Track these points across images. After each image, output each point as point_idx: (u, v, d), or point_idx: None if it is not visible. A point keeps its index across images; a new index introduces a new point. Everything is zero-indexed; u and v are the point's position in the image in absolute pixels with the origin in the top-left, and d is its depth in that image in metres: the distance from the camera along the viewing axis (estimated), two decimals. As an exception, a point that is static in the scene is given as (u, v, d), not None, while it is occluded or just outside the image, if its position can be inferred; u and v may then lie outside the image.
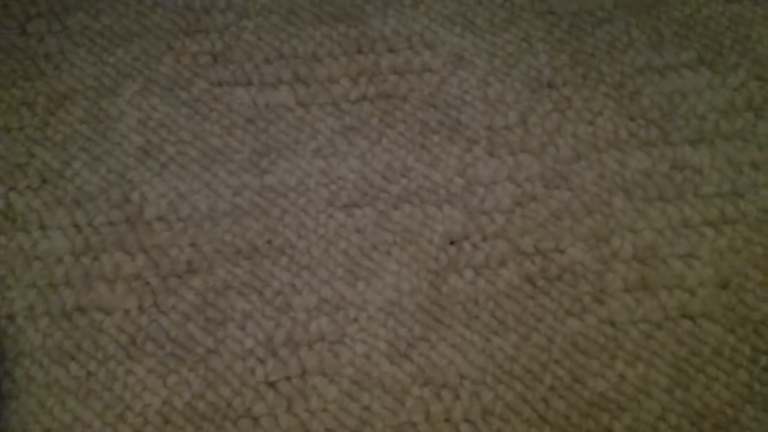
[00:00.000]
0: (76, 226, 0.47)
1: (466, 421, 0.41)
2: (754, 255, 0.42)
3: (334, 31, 0.51)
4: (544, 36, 0.49)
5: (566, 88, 0.47)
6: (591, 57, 0.48)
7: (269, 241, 0.46)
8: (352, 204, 0.46)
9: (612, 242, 0.43)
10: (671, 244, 0.43)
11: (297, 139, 0.48)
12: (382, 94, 0.49)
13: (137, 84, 0.51)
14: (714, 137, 0.45)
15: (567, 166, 0.46)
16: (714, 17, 0.48)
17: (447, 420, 0.41)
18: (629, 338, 0.41)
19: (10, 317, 0.44)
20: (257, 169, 0.48)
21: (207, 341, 0.43)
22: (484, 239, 0.45)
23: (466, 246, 0.45)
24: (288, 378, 0.42)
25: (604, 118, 0.46)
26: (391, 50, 0.50)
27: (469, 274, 0.44)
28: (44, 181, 0.48)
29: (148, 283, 0.45)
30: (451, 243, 0.45)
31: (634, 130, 0.46)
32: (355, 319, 0.43)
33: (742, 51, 0.47)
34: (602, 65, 0.48)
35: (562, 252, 0.44)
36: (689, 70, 0.47)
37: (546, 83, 0.48)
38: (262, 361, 0.43)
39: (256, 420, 0.41)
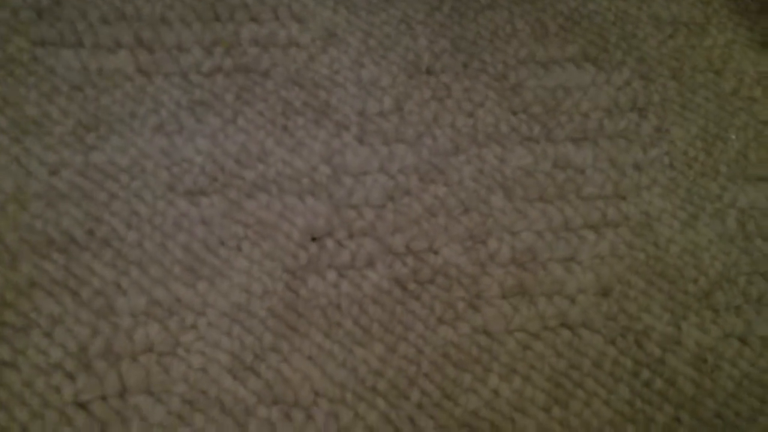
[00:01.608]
0: None
1: (320, 446, 0.35)
2: (636, 261, 0.40)
3: (187, -7, 0.44)
4: (425, 18, 0.45)
5: (446, 75, 0.43)
6: (473, 45, 0.44)
7: (91, 231, 0.38)
8: (197, 191, 0.39)
9: (489, 244, 0.39)
10: (551, 248, 0.40)
11: (134, 112, 0.41)
12: (241, 67, 0.43)
13: (-63, 36, 0.41)
14: (597, 136, 0.42)
15: (444, 159, 0.41)
16: (600, 12, 0.46)
17: (297, 445, 0.34)
18: (505, 349, 0.37)
19: None
20: (82, 144, 0.40)
21: (1, 351, 0.35)
22: (351, 236, 0.39)
23: (330, 243, 0.39)
24: (103, 397, 0.34)
25: (485, 110, 0.43)
26: (253, 19, 0.44)
27: (331, 275, 0.38)
28: None
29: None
30: (313, 239, 0.39)
31: (515, 124, 0.42)
32: (193, 326, 0.36)
33: (627, 49, 0.45)
34: (484, 54, 0.44)
35: (435, 252, 0.39)
36: (573, 65, 0.44)
37: (425, 69, 0.43)
38: (71, 377, 0.35)
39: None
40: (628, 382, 0.37)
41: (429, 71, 0.44)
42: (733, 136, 0.43)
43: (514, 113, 0.43)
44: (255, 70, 0.43)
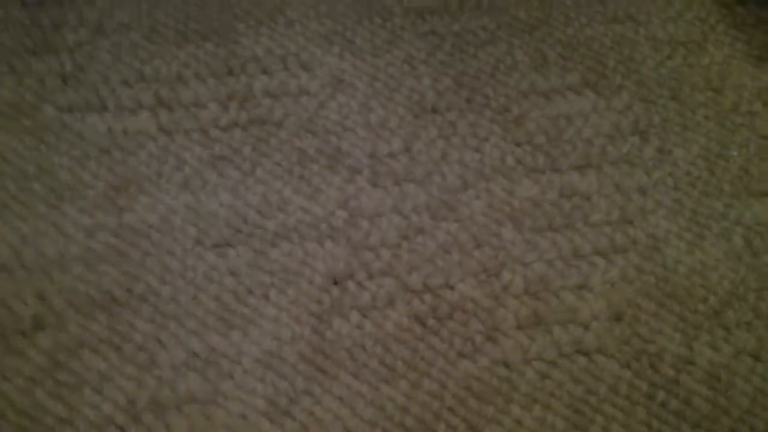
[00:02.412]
0: None
1: (355, 481, 0.37)
2: (646, 284, 0.41)
3: (200, 51, 0.46)
4: (426, 58, 0.47)
5: (451, 113, 0.45)
6: (475, 80, 0.46)
7: (129, 289, 0.40)
8: (224, 243, 0.42)
9: (503, 276, 0.41)
10: (562, 276, 0.41)
11: (160, 171, 0.43)
12: (256, 119, 0.45)
13: (-29, 110, 0.44)
14: (601, 162, 0.44)
15: (454, 195, 0.43)
16: (597, 38, 0.47)
17: (334, 482, 0.37)
18: (524, 379, 0.39)
19: None
20: (114, 206, 0.42)
21: (57, 409, 0.38)
22: (370, 277, 0.41)
23: (351, 285, 0.41)
24: (153, 447, 0.37)
25: (491, 144, 0.44)
26: (264, 71, 0.46)
27: (354, 316, 0.40)
28: None
29: (-15, 344, 0.39)
30: (335, 283, 0.41)
31: (520, 156, 0.44)
32: (230, 375, 0.39)
33: (626, 72, 0.47)
34: (487, 88, 0.46)
35: (451, 288, 0.41)
36: (574, 93, 0.46)
37: (430, 108, 0.45)
38: (122, 429, 0.37)
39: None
40: (644, 404, 0.39)
41: (434, 110, 0.45)
42: (735, 153, 0.44)
43: (519, 145, 0.44)
44: (269, 121, 0.45)
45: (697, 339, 0.40)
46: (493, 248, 0.42)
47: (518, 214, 0.43)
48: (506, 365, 0.39)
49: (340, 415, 0.38)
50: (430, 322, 0.40)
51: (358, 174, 0.44)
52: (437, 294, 0.41)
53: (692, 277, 0.41)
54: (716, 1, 0.48)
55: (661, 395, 0.39)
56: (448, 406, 0.38)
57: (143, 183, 0.43)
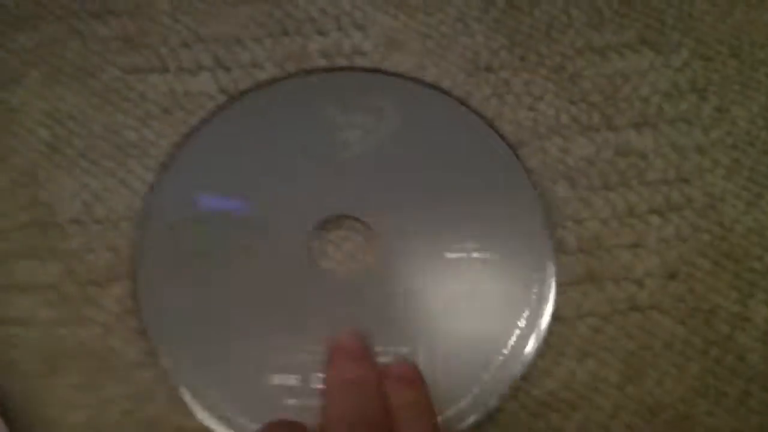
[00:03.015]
0: (-22, 231, 0.42)
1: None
2: (701, 242, 0.42)
3: (257, 11, 0.47)
4: (480, 15, 0.47)
5: (504, 71, 0.45)
6: (529, 38, 0.46)
7: (194, 244, 0.42)
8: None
9: (556, 233, 0.42)
10: (617, 234, 0.42)
11: (221, 130, 0.45)
12: (312, 79, 0.46)
13: (41, 72, 0.46)
14: (657, 121, 0.44)
15: (509, 153, 0.44)
16: (655, -6, 0.47)
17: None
18: (577, 333, 0.40)
19: None
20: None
21: (131, 354, 0.40)
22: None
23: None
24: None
25: (545, 103, 0.45)
26: (319, 32, 0.47)
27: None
28: (-62, 184, 0.43)
29: (64, 293, 0.41)
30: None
31: (575, 114, 0.44)
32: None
33: (684, 29, 0.46)
34: (541, 46, 0.46)
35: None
36: (630, 50, 0.45)
37: (483, 66, 0.45)
38: (190, 375, 0.39)
39: None
40: (698, 360, 0.39)
41: (488, 68, 0.46)
42: (796, 111, 0.43)
43: (574, 103, 0.45)
44: (325, 81, 0.46)
45: (752, 297, 0.40)
46: (547, 207, 0.42)
47: (572, 173, 0.43)
48: (559, 320, 0.40)
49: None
50: (485, 277, 0.41)
51: (412, 133, 0.44)
52: (491, 250, 0.42)
53: (749, 236, 0.42)
54: (779, -46, 0.47)
55: (714, 351, 0.39)
56: (503, 359, 0.39)
57: (205, 142, 0.45)
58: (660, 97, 0.44)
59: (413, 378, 0.37)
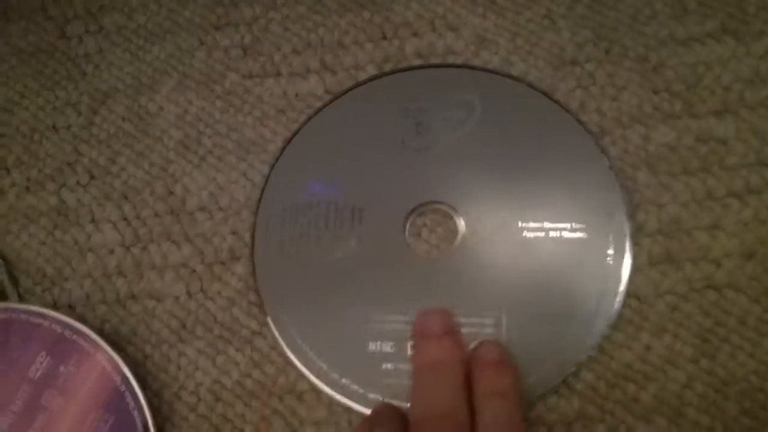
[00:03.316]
0: (125, 219, 0.49)
1: (498, 393, 0.42)
2: (779, 225, 0.43)
3: (358, 18, 0.52)
4: (566, 12, 0.49)
5: (589, 64, 0.48)
6: (613, 31, 0.48)
7: (305, 228, 0.48)
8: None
9: (637, 216, 0.44)
10: (696, 217, 0.44)
11: (327, 127, 0.50)
12: (408, 78, 0.50)
13: (173, 80, 0.53)
14: (739, 108, 0.45)
15: (591, 142, 0.46)
16: (738, -16, 0.48)
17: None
18: (654, 310, 0.42)
19: (71, 306, 0.48)
20: (290, 158, 0.49)
21: (251, 324, 0.46)
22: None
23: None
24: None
25: (628, 93, 0.47)
26: (414, 34, 0.51)
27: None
28: (92, 177, 0.51)
29: (194, 271, 0.48)
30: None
31: (657, 103, 0.46)
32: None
33: (766, 18, 0.47)
34: (625, 39, 0.48)
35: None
36: (713, 39, 0.47)
37: (569, 60, 0.48)
38: (303, 342, 0.45)
39: (300, 395, 0.44)
40: (771, 337, 0.41)
41: (573, 62, 0.48)
42: None
43: (656, 93, 0.46)
44: (420, 80, 0.50)
45: (829, 277, 0.41)
46: (627, 191, 0.45)
47: (653, 159, 0.45)
48: (637, 298, 0.43)
49: (484, 337, 0.43)
50: (566, 258, 0.44)
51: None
52: (573, 233, 0.45)
53: (828, 218, 0.42)
54: None
55: (789, 328, 0.41)
56: (582, 332, 0.42)
57: (313, 137, 0.50)
58: (741, 84, 0.45)
59: (500, 362, 0.39)
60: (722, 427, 0.40)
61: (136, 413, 0.43)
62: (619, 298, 0.42)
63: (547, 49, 0.49)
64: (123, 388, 0.44)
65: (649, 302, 0.43)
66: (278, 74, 0.52)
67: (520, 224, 0.44)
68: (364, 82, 0.50)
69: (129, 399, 0.44)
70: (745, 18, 0.47)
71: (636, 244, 0.43)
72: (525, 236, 0.43)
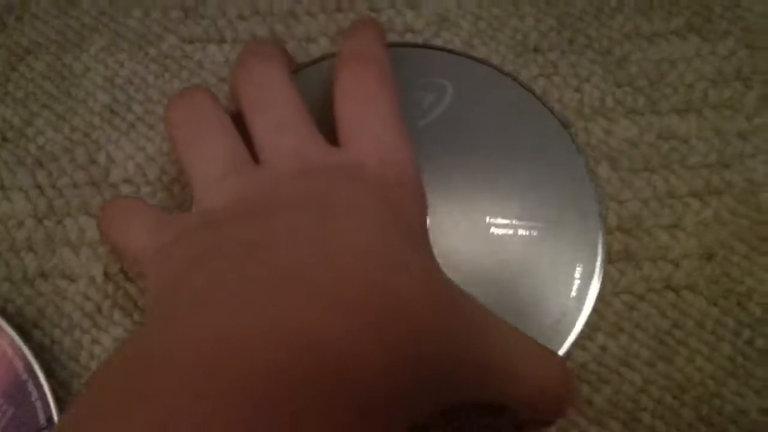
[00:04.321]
0: (39, 187, 0.44)
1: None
2: (739, 227, 0.42)
3: (312, -13, 0.49)
4: (531, -2, 0.47)
5: (552, 53, 0.46)
6: (578, 21, 0.47)
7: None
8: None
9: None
10: (656, 215, 0.43)
11: (273, 100, 0.46)
12: (363, 54, 0.47)
13: (103, 39, 0.48)
14: (702, 106, 0.44)
15: (552, 133, 0.44)
16: (705, -18, 0.47)
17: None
18: (611, 310, 0.41)
19: (-31, 282, 0.42)
20: (231, 130, 0.46)
21: (177, 309, 0.42)
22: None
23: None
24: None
25: (591, 85, 0.45)
26: (372, 9, 0.48)
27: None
28: (5, 140, 0.46)
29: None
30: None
31: (620, 97, 0.45)
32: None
33: (732, 18, 0.46)
34: (590, 30, 0.46)
35: (545, 222, 0.43)
36: (678, 37, 0.46)
37: (532, 47, 0.46)
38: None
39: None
40: (729, 341, 0.40)
41: (536, 49, 0.46)
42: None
43: (620, 86, 0.45)
44: (375, 57, 0.47)
45: (788, 282, 0.41)
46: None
47: (615, 154, 0.44)
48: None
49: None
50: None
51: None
52: (531, 226, 0.43)
53: (787, 222, 0.42)
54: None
55: (746, 333, 0.40)
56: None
57: (256, 111, 0.46)
58: (705, 83, 0.45)
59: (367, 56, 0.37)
60: (677, 434, 0.38)
61: (39, 404, 0.38)
62: (589, 299, 0.40)
63: (510, 35, 0.47)
64: (25, 376, 0.39)
65: (606, 300, 0.41)
66: (222, 40, 0.48)
67: (483, 216, 0.41)
68: (319, 59, 0.46)
69: (31, 388, 0.39)
70: (711, 17, 0.46)
71: (605, 242, 0.41)
72: (492, 231, 0.41)
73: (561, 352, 0.39)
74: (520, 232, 0.41)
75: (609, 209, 0.43)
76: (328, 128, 0.38)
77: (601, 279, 0.40)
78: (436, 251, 0.36)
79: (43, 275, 0.43)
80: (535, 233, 0.40)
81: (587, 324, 0.39)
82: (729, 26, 0.46)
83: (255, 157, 0.37)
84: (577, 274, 0.40)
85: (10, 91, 0.47)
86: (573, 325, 0.39)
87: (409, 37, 0.47)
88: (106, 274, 0.43)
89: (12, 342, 0.39)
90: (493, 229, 0.41)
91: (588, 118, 0.45)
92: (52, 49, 0.48)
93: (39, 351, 0.40)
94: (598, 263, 0.40)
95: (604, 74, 0.46)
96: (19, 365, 0.39)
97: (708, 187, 0.43)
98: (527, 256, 0.40)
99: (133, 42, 0.48)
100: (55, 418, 0.38)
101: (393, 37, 0.47)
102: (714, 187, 0.43)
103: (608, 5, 0.47)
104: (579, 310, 0.39)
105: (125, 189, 0.44)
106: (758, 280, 0.41)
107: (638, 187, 0.43)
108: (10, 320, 0.40)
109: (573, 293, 0.39)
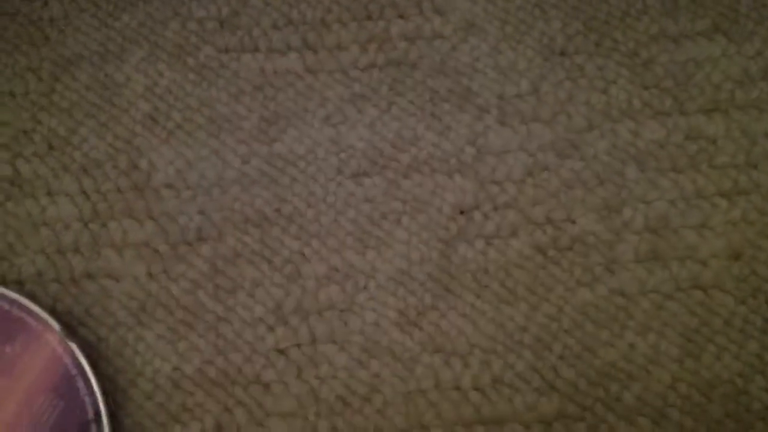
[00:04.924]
0: (84, 192, 0.46)
1: (476, 389, 0.41)
2: (767, 226, 0.42)
3: (343, -3, 0.50)
4: (557, 2, 0.48)
5: (579, 56, 0.47)
6: (605, 24, 0.47)
7: (278, 210, 0.45)
8: (361, 173, 0.46)
9: (624, 213, 0.43)
10: (683, 215, 0.43)
11: (305, 107, 0.48)
12: (392, 61, 0.48)
13: (143, 50, 0.50)
14: (728, 107, 0.45)
15: (579, 135, 0.45)
16: (731, -16, 0.47)
17: (457, 388, 0.41)
18: (640, 309, 0.41)
19: (19, 283, 0.44)
20: (266, 136, 0.47)
21: (217, 308, 0.43)
22: (495, 209, 0.44)
23: (477, 215, 0.44)
24: (298, 345, 0.42)
25: (618, 87, 0.46)
26: (400, 16, 0.49)
27: (479, 243, 0.44)
28: (51, 148, 0.48)
29: (157, 251, 0.45)
30: (461, 212, 0.45)
31: (647, 99, 0.45)
32: (365, 288, 0.43)
33: (758, 18, 0.46)
34: (616, 32, 0.47)
35: (573, 222, 0.43)
36: (704, 38, 0.46)
37: (559, 51, 0.47)
38: (271, 329, 0.43)
39: (266, 386, 0.42)
40: (757, 338, 0.40)
41: (563, 53, 0.47)
42: None
43: (646, 88, 0.46)
44: (404, 63, 0.48)
45: (817, 280, 0.41)
46: (615, 186, 0.44)
47: (642, 155, 0.44)
48: (623, 295, 0.42)
49: (463, 329, 0.42)
50: (551, 252, 0.43)
51: (486, 113, 0.47)
52: (559, 227, 0.43)
53: (817, 221, 0.42)
54: None
55: (776, 331, 0.40)
56: (565, 329, 0.41)
57: (291, 117, 0.48)
58: (732, 84, 0.45)
59: None
60: (706, 430, 0.39)
61: (87, 399, 0.40)
62: None
63: (537, 39, 0.48)
64: (74, 371, 0.41)
65: (634, 300, 0.41)
66: (256, 50, 0.50)
67: None
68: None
69: (80, 384, 0.40)
70: (737, 17, 0.47)
71: (622, 240, 0.42)
72: None
73: None
74: None
75: (636, 210, 0.43)
76: None
77: None
78: None
79: (89, 276, 0.44)
80: None
81: (610, 318, 0.40)
82: (755, 26, 0.46)
83: None
84: None
85: (55, 101, 0.49)
86: None
87: (437, 43, 0.48)
88: (149, 274, 0.44)
89: (61, 340, 0.41)
90: None
91: (615, 119, 0.45)
92: (94, 60, 0.50)
93: (86, 348, 0.42)
94: None
95: (630, 76, 0.46)
96: (68, 361, 0.41)
97: (736, 186, 0.43)
98: None
99: (171, 52, 0.50)
100: (103, 412, 0.40)
101: (422, 45, 0.48)
102: (741, 187, 0.43)
103: (634, 8, 0.48)
104: None
105: (166, 194, 0.46)
106: (787, 279, 0.41)
107: (666, 188, 0.43)
108: (59, 319, 0.42)
109: None
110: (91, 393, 0.40)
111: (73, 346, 0.41)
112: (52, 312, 0.42)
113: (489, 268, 0.43)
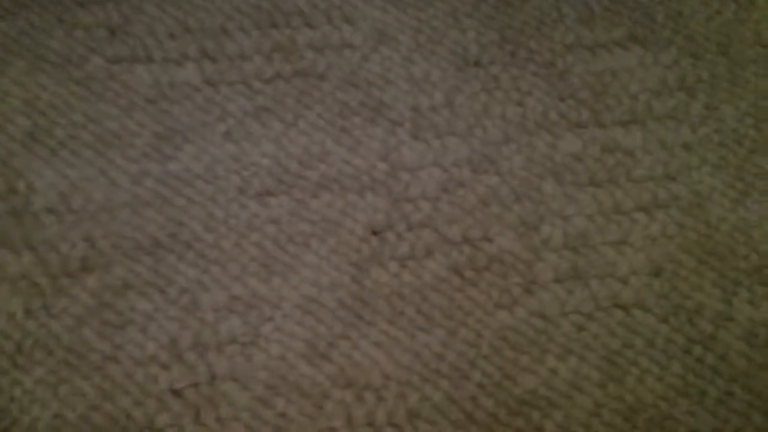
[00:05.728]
0: (-48, 220, 0.42)
1: (391, 424, 0.38)
2: (687, 240, 0.41)
3: (244, 3, 0.47)
4: (471, 11, 0.46)
5: (494, 66, 0.45)
6: (520, 34, 0.46)
7: (173, 235, 0.42)
8: (266, 192, 0.43)
9: (542, 230, 0.42)
10: (602, 231, 0.42)
11: (204, 121, 0.44)
12: (299, 72, 0.46)
13: (24, 61, 0.46)
14: (646, 118, 0.44)
15: (495, 149, 0.43)
16: (645, -8, 0.47)
17: (370, 424, 0.38)
18: (560, 331, 0.40)
19: None
20: (159, 154, 0.43)
21: (103, 347, 0.39)
22: (410, 229, 0.42)
23: (390, 236, 0.42)
24: (195, 384, 0.39)
25: (534, 99, 0.44)
26: (307, 24, 0.47)
27: (393, 266, 0.41)
28: None
29: (36, 284, 0.40)
30: (374, 233, 0.42)
31: (564, 111, 0.44)
32: (270, 318, 0.40)
33: (674, 27, 0.46)
34: (531, 42, 0.46)
35: (490, 241, 0.41)
36: (620, 47, 0.45)
37: (473, 61, 0.45)
38: (166, 367, 0.39)
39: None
40: (680, 359, 0.39)
41: (477, 63, 0.45)
42: (784, 111, 0.43)
43: (563, 100, 0.44)
44: (312, 74, 0.46)
45: (736, 295, 0.40)
46: (533, 202, 0.42)
47: (559, 169, 0.43)
48: (543, 317, 0.40)
49: (377, 360, 0.39)
50: (468, 273, 0.41)
51: (399, 127, 0.44)
52: (476, 246, 0.41)
53: (734, 234, 0.41)
54: (770, -44, 0.47)
55: (697, 350, 0.39)
56: (484, 355, 0.39)
57: (188, 133, 0.44)
58: (648, 95, 0.44)
59: None
60: (631, 459, 0.37)
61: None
62: None
63: (451, 49, 0.46)
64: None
65: (554, 321, 0.40)
66: (150, 60, 0.46)
67: None
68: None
69: (-57, 439, 0.36)
70: (653, 26, 0.46)
71: (540, 259, 0.40)
72: None
73: None
74: None
75: (555, 226, 0.41)
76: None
77: None
78: None
79: (-43, 314, 0.40)
80: None
81: (531, 342, 0.38)
82: (672, 35, 0.46)
83: None
84: None
85: None
86: None
87: (346, 53, 0.46)
88: (27, 311, 0.40)
89: None
90: None
91: (532, 132, 0.43)
92: (-33, 73, 0.45)
93: (-49, 398, 0.37)
94: None
95: (546, 87, 0.45)
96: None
97: (655, 200, 0.42)
98: None
99: (55, 63, 0.46)
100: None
101: (330, 55, 0.46)
102: (661, 201, 0.42)
103: (549, 17, 0.46)
104: None
105: (47, 219, 0.42)
106: (707, 295, 0.40)
107: (584, 203, 0.42)
108: None
109: None
110: (-46, 450, 0.35)
111: (-66, 397, 0.36)
112: None
113: (404, 292, 0.40)
